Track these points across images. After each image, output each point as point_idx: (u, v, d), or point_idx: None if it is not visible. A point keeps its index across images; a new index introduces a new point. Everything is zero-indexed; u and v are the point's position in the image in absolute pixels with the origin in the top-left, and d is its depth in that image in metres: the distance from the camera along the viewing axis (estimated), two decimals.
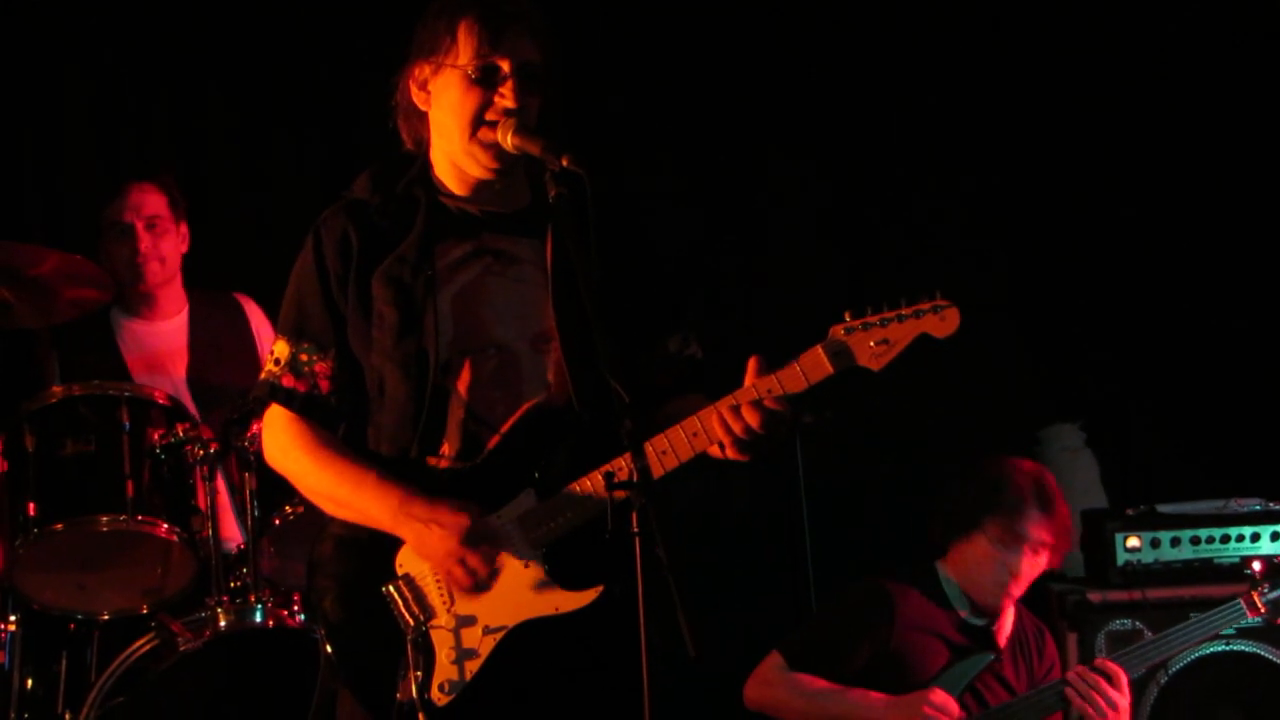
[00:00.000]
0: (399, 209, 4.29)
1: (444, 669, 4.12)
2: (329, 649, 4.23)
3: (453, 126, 4.22)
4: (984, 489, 5.85)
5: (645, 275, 4.34)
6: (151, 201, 6.63)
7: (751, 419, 4.05)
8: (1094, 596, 6.62)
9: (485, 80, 4.16)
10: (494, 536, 4.13)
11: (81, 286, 6.08)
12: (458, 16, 4.19)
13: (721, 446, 4.10)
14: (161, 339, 6.66)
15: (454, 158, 4.27)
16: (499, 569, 4.14)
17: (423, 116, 4.31)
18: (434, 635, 4.14)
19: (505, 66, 4.16)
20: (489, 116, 4.17)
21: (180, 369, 6.61)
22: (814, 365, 4.08)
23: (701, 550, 7.46)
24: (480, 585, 4.13)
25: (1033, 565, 5.80)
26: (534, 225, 4.29)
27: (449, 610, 4.15)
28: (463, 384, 4.21)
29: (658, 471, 4.06)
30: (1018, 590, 5.83)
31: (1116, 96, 8.09)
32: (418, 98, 4.28)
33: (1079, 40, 8.08)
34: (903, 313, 4.11)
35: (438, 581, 4.16)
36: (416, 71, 4.27)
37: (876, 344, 4.10)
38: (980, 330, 4.51)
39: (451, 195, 4.31)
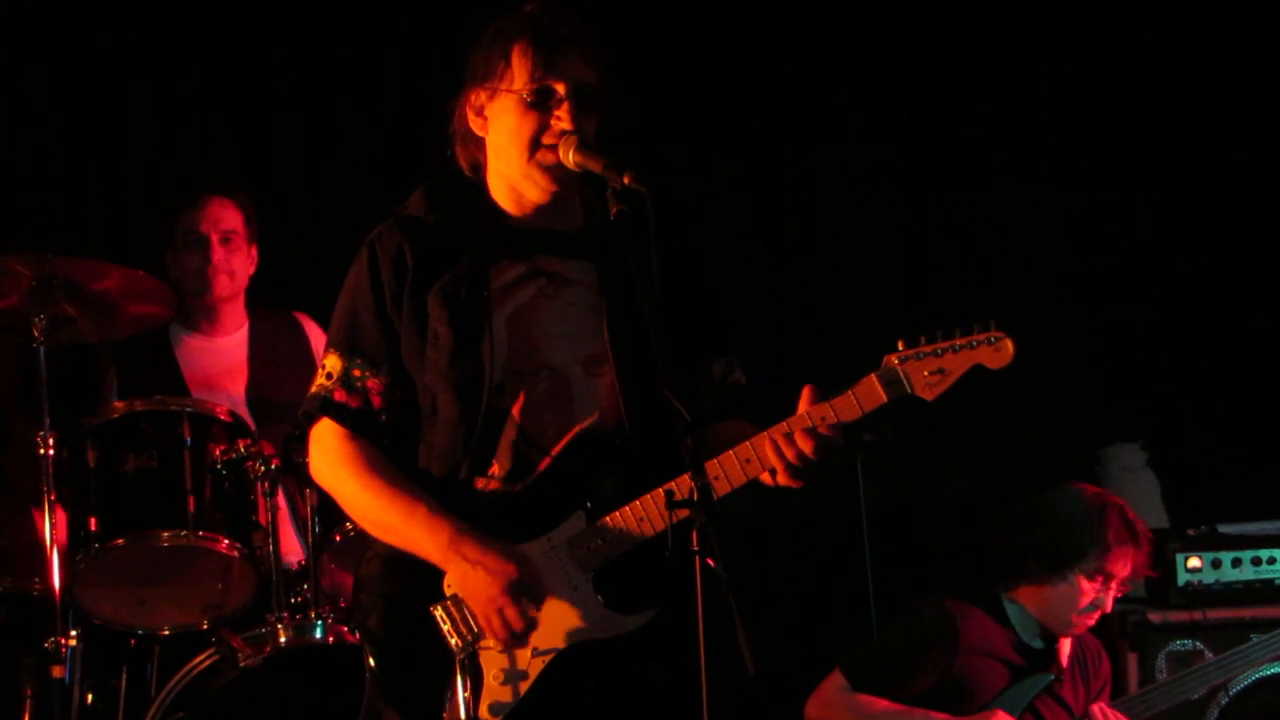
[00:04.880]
0: (455, 227, 4.30)
1: (492, 690, 4.12)
2: (374, 667, 4.25)
3: (510, 150, 4.23)
4: (1069, 534, 5.76)
5: (694, 298, 4.34)
6: (229, 216, 6.66)
7: (805, 446, 4.05)
8: (1154, 617, 6.60)
9: (541, 103, 4.18)
10: (538, 589, 4.12)
11: (144, 302, 6.10)
12: (511, 41, 4.20)
13: (773, 473, 4.10)
14: (220, 355, 6.69)
15: (512, 181, 4.28)
16: (537, 617, 4.13)
17: (479, 142, 4.32)
18: (482, 656, 4.14)
19: (560, 89, 4.17)
20: (546, 140, 4.18)
21: (239, 386, 6.63)
22: (868, 394, 4.09)
23: (760, 568, 7.44)
24: (515, 640, 4.12)
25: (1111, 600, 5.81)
26: (587, 247, 4.31)
27: None
28: (516, 406, 4.21)
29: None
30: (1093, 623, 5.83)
31: (1180, 111, 8.06)
32: (474, 123, 4.30)
33: (1154, 46, 8.05)
34: (957, 343, 4.11)
35: None
36: (473, 97, 4.28)
37: (931, 374, 4.10)
38: (1042, 349, 4.51)
39: (507, 216, 4.32)
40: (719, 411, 4.34)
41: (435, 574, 4.17)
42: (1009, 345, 4.10)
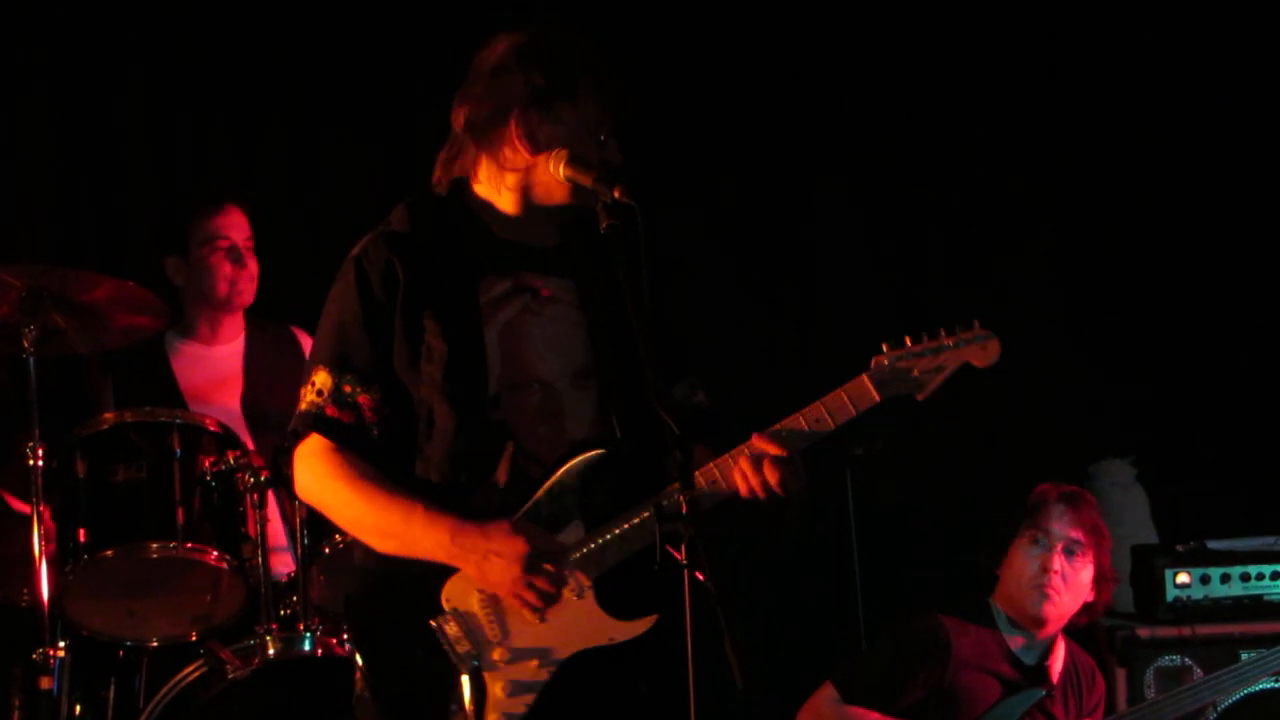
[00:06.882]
0: (440, 242, 4.29)
1: (498, 703, 4.12)
2: (370, 687, 4.23)
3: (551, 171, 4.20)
4: (1015, 509, 5.92)
5: (661, 319, 4.28)
6: (244, 224, 6.72)
7: (770, 475, 4.08)
8: (1143, 632, 6.60)
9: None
10: (554, 551, 4.12)
11: (133, 313, 6.08)
12: (575, 74, 4.19)
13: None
14: (216, 364, 6.69)
15: (500, 193, 4.27)
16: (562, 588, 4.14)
17: (483, 157, 4.30)
18: (487, 669, 4.13)
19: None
20: None
21: (235, 395, 6.63)
22: (861, 394, 4.14)
23: (751, 580, 7.44)
24: (552, 601, 4.11)
25: (1070, 570, 5.79)
26: (566, 264, 4.31)
27: (501, 643, 4.15)
28: (510, 418, 4.22)
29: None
30: (1056, 597, 5.79)
31: (1172, 125, 8.07)
32: (521, 145, 4.22)
33: (1147, 56, 8.07)
34: (945, 342, 4.20)
35: (488, 614, 4.15)
36: (524, 118, 4.20)
37: (922, 373, 4.17)
38: (1032, 363, 4.52)
39: (490, 231, 4.31)
40: (682, 434, 4.32)
41: (431, 588, 4.16)
42: (995, 343, 4.21)
